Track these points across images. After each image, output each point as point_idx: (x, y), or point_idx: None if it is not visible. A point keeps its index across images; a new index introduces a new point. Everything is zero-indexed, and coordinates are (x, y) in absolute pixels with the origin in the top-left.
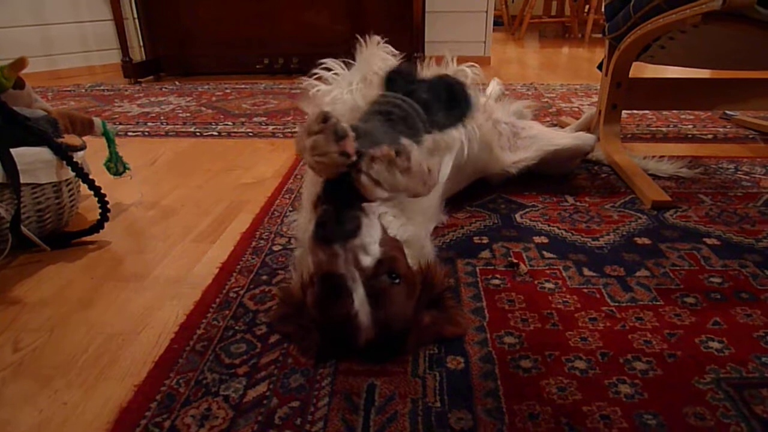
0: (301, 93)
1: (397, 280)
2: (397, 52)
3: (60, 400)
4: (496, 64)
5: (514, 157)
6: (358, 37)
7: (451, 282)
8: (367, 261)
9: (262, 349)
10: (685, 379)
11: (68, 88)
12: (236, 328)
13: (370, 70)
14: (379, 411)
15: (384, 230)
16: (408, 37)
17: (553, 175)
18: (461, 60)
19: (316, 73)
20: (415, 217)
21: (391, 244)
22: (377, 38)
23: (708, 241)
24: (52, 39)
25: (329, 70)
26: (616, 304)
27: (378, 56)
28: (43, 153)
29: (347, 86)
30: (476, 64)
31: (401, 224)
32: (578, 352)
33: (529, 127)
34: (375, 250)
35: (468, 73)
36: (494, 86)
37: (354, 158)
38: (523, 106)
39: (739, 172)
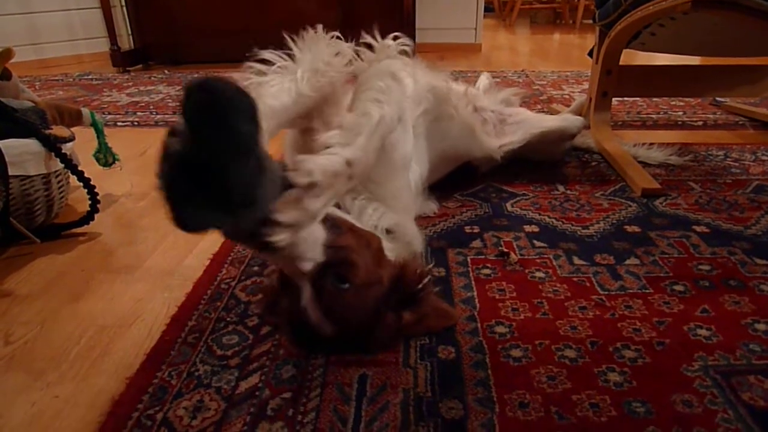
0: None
1: (345, 285)
2: (342, 37)
3: (52, 393)
4: (487, 51)
5: (500, 142)
6: (288, 36)
7: (428, 280)
8: (306, 266)
9: (253, 341)
10: (673, 367)
11: (56, 78)
12: (228, 319)
13: (321, 60)
14: (370, 401)
15: (340, 226)
16: (398, 24)
17: (541, 159)
18: (452, 47)
19: (253, 67)
20: (392, 203)
21: (347, 243)
22: (320, 26)
23: (697, 228)
24: (38, 28)
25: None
26: (606, 292)
27: (325, 44)
28: (31, 144)
29: (291, 76)
30: (401, 34)
31: (381, 213)
32: (568, 340)
33: (516, 114)
34: (316, 254)
35: (392, 47)
36: (483, 80)
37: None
38: (511, 93)
39: (728, 159)
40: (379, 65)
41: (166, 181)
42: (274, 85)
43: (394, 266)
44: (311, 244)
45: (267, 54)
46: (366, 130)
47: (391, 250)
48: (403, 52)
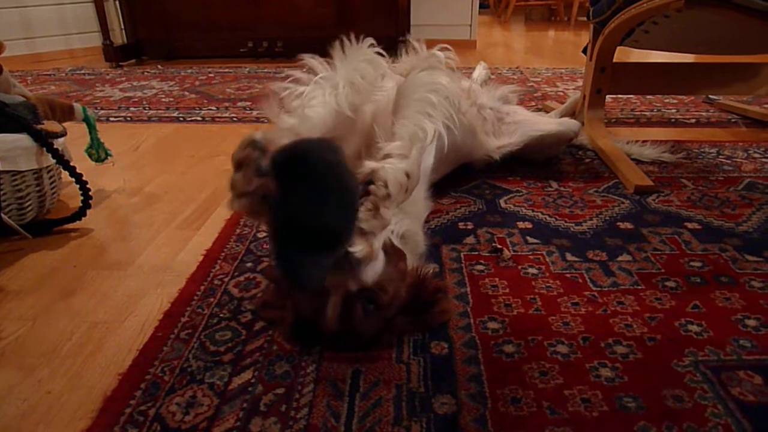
0: (267, 95)
1: (372, 306)
2: (385, 53)
3: (44, 389)
4: (482, 48)
5: (498, 143)
6: (343, 36)
7: (441, 296)
8: (353, 285)
9: (247, 337)
10: (664, 362)
11: (48, 72)
12: (221, 315)
13: (357, 73)
14: (363, 397)
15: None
16: (394, 20)
17: (537, 160)
18: (447, 43)
19: (291, 76)
20: (410, 210)
21: (392, 266)
22: (369, 40)
23: (689, 225)
24: (31, 21)
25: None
26: (598, 288)
27: (365, 58)
28: (22, 140)
29: (331, 88)
30: (450, 47)
31: (398, 220)
32: (560, 336)
33: (513, 113)
34: (369, 278)
35: (441, 58)
36: (480, 70)
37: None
38: (509, 91)
39: (720, 156)
40: (427, 75)
41: (286, 249)
42: (315, 97)
43: (413, 277)
44: (372, 270)
45: (309, 60)
46: (419, 145)
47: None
48: (449, 66)
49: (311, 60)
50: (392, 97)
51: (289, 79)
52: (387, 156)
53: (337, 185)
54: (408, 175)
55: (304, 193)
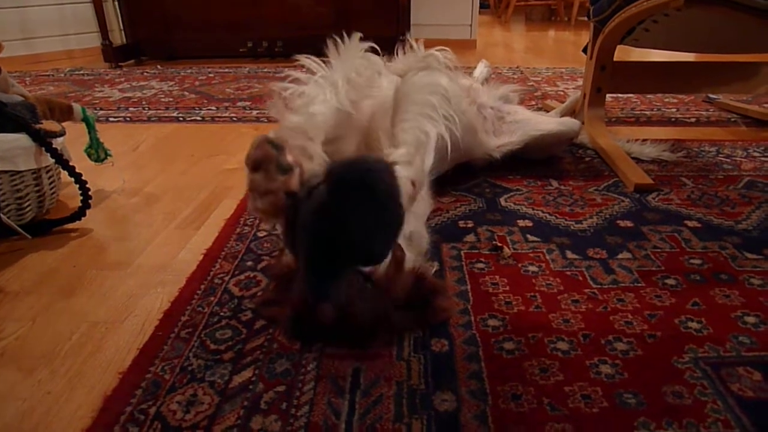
0: (270, 96)
1: (368, 284)
2: (378, 48)
3: (44, 389)
4: (482, 48)
5: (499, 142)
6: (336, 36)
7: (437, 294)
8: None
9: (247, 335)
10: (664, 359)
11: (47, 73)
12: (221, 314)
13: (353, 69)
14: (364, 394)
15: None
16: (394, 20)
17: (537, 159)
18: (448, 43)
19: (289, 76)
20: (414, 209)
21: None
22: (358, 35)
23: (689, 223)
24: (29, 22)
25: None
26: (599, 286)
27: (359, 54)
28: (21, 139)
29: (330, 87)
30: (447, 48)
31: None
32: (561, 333)
33: (514, 112)
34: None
35: (439, 58)
36: (482, 68)
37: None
38: (510, 90)
39: (720, 155)
40: (426, 76)
41: (317, 257)
42: (317, 96)
43: (411, 272)
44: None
45: (304, 60)
46: (422, 150)
47: (408, 260)
48: (447, 66)
49: (307, 60)
50: (390, 95)
51: (289, 79)
52: (393, 164)
53: (392, 213)
54: (414, 183)
55: (360, 214)
